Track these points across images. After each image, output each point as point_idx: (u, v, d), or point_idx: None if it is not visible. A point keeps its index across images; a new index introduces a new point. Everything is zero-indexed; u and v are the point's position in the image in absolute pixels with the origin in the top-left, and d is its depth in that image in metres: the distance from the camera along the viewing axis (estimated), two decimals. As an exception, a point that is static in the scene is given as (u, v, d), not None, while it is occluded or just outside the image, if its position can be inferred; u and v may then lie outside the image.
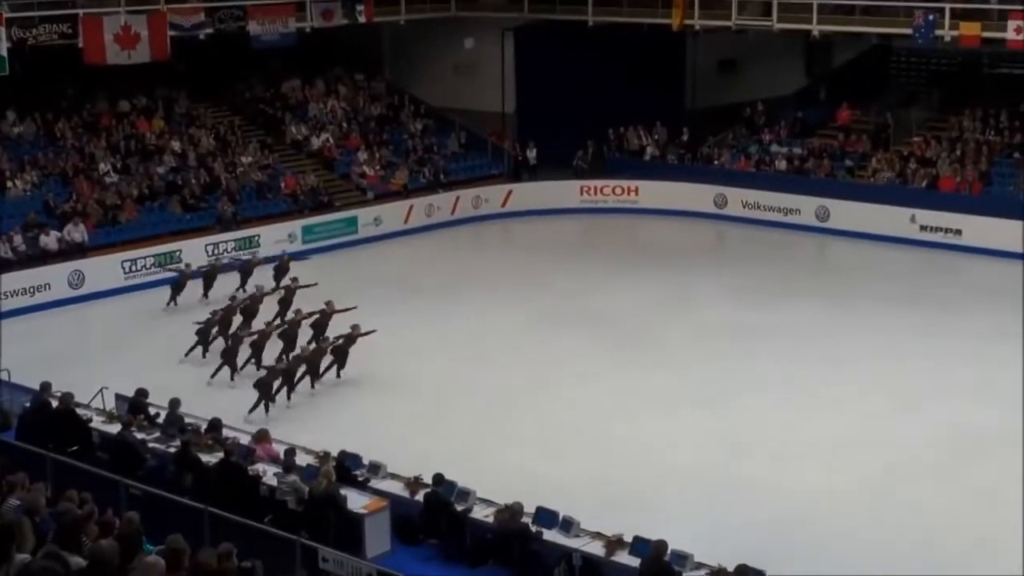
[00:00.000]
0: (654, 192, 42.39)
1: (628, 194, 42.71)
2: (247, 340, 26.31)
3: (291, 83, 44.01)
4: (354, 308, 27.14)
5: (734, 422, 23.85)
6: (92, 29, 34.71)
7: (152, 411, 21.32)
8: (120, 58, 35.43)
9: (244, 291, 30.80)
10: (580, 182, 43.17)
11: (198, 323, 27.39)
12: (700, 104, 46.94)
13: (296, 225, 37.78)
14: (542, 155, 43.49)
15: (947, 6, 36.87)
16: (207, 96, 42.15)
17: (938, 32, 37.21)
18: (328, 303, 27.44)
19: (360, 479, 18.83)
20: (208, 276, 31.82)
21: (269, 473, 18.52)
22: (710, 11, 41.08)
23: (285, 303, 28.76)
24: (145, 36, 35.56)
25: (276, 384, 24.32)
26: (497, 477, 19.80)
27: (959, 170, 38.92)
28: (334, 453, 19.24)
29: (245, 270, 32.04)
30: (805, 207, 40.05)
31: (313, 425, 23.34)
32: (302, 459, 18.86)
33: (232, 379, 25.73)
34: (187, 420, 20.80)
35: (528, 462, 21.84)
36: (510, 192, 42.63)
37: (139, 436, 19.92)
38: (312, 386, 25.25)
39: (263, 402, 23.96)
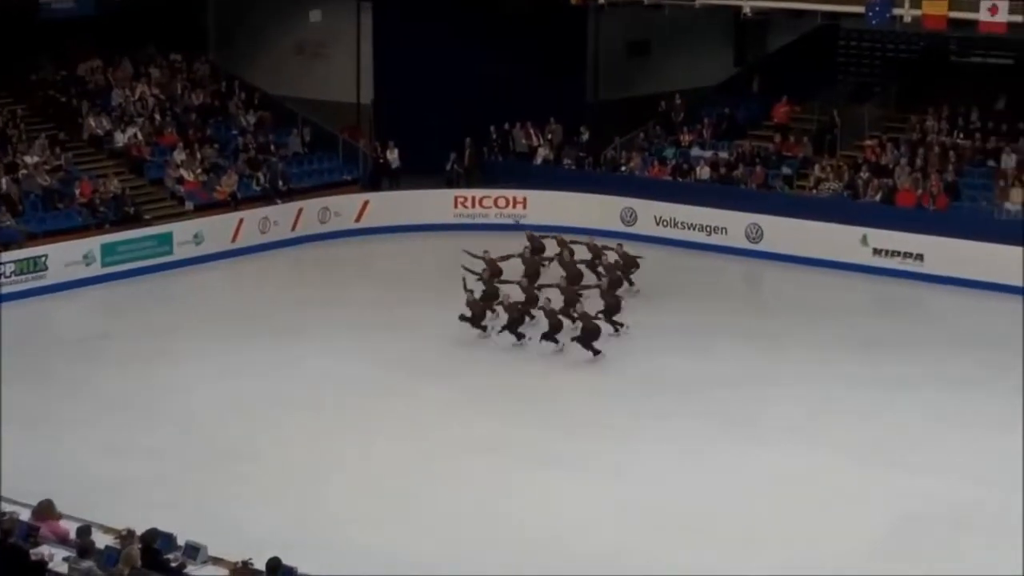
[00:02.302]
0: (546, 205, 42.63)
1: (514, 207, 42.95)
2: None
3: (90, 64, 43.62)
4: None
5: (641, 494, 24.10)
6: None
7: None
8: None
9: None
10: (454, 192, 43.36)
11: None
12: (604, 96, 47.39)
13: (94, 243, 37.42)
14: (407, 157, 43.63)
15: (907, -21, 37.75)
16: (-20, 80, 41.74)
17: (896, 11, 37.99)
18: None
19: (173, 564, 18.65)
20: None
21: (58, 558, 18.28)
22: (617, -20, 41.65)
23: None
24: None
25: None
26: (347, 560, 19.75)
27: (920, 181, 39.70)
28: (140, 531, 19.03)
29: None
30: (733, 225, 40.58)
31: (115, 499, 23.06)
32: (100, 539, 18.63)
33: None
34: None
35: (386, 542, 21.88)
36: (366, 203, 42.67)
37: None
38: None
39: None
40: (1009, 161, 39.63)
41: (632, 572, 21.21)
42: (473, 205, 43.12)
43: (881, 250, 38.52)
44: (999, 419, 27.16)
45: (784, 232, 39.78)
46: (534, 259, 35.82)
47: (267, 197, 41.52)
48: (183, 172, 41.04)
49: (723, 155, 43.22)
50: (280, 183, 41.95)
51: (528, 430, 26.98)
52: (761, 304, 38.31)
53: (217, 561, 18.95)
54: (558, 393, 29.50)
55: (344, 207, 42.36)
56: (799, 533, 22.66)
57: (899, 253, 38.33)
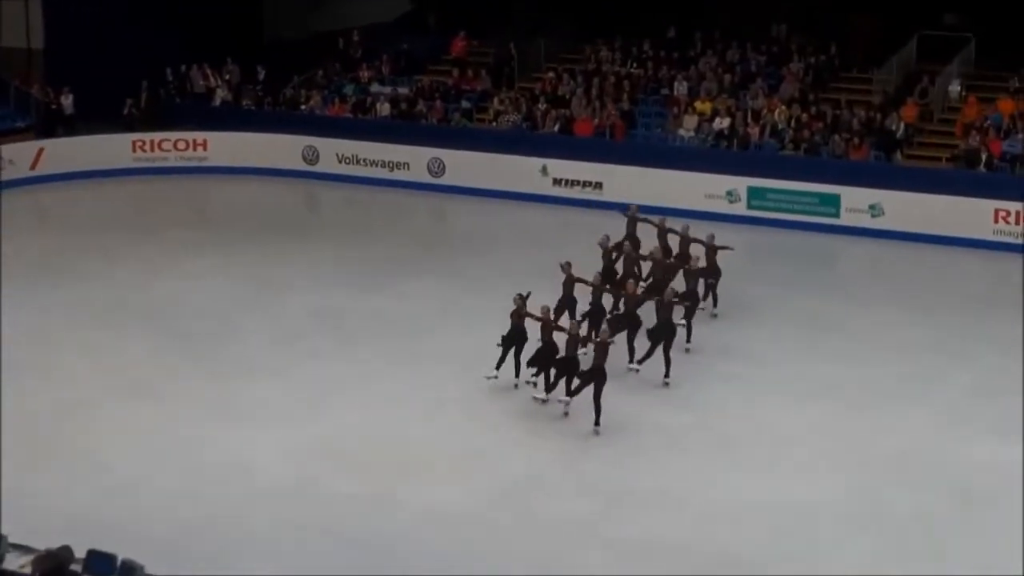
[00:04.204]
0: (227, 146, 42.21)
1: (194, 149, 42.29)
2: None
3: None
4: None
5: (332, 434, 23.98)
6: None
7: None
8: None
9: None
10: (133, 136, 42.39)
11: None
12: (282, 35, 46.88)
13: None
14: (82, 102, 42.56)
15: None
16: None
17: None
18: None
19: None
20: None
21: None
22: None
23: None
24: None
25: None
26: (39, 516, 19.29)
27: (597, 111, 40.31)
28: None
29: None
30: (415, 160, 40.69)
31: None
32: None
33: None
34: None
35: (81, 497, 21.38)
36: (41, 151, 41.41)
37: None
38: None
39: None
40: (681, 89, 40.53)
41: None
42: (152, 149, 42.25)
43: (561, 179, 39.05)
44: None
45: (466, 165, 40.02)
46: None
47: (-68, 147, 40.06)
48: None
49: (403, 91, 43.25)
50: (-55, 131, 40.53)
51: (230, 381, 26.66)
52: (448, 237, 38.32)
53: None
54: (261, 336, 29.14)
55: (18, 155, 40.94)
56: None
57: (579, 182, 38.92)
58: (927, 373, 26.68)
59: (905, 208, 35.66)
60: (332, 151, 41.57)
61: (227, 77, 44.65)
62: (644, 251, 29.76)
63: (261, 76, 44.55)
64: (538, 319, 24.80)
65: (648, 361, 25.99)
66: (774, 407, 25.04)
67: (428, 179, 40.50)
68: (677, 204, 36.95)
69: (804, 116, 38.45)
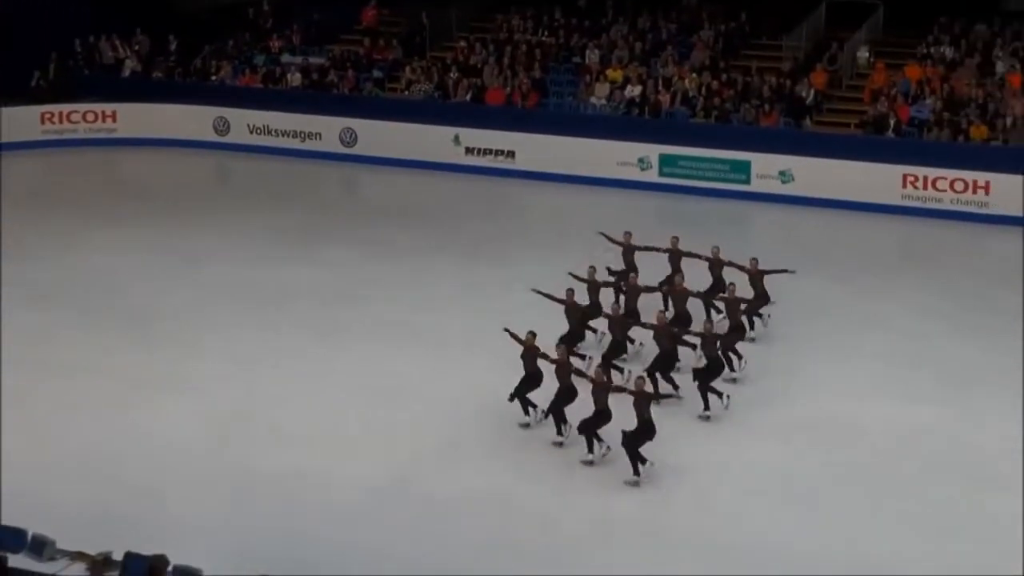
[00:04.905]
0: (136, 117, 41.90)
1: (103, 121, 41.95)
2: None
3: None
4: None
5: (254, 405, 23.85)
6: None
7: None
8: None
9: None
10: (41, 108, 41.92)
11: None
12: (191, 5, 46.46)
13: None
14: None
15: None
16: None
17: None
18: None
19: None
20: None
21: None
22: None
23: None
24: None
25: None
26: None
27: (509, 79, 40.25)
28: None
29: None
30: (327, 130, 40.53)
31: None
32: None
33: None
34: None
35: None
36: (-54, 124, 40.97)
37: None
38: None
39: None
40: (593, 57, 40.54)
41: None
42: (61, 121, 41.84)
43: (473, 148, 38.99)
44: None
45: (378, 135, 39.89)
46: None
47: None
48: None
49: (314, 61, 43.01)
50: None
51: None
52: (360, 208, 38.18)
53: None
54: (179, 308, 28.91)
55: (-80, 129, 40.56)
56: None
57: (491, 151, 38.88)
58: (840, 336, 26.86)
59: (815, 174, 35.86)
60: (243, 122, 41.37)
61: (136, 48, 44.22)
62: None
63: (173, 47, 44.14)
64: (553, 361, 22.14)
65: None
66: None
67: (340, 149, 40.36)
68: (590, 172, 37.30)
69: (715, 83, 38.54)
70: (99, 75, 43.85)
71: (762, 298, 26.35)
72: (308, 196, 37.58)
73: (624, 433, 20.97)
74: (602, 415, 21.35)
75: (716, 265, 26.81)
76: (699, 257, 26.95)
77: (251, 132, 41.35)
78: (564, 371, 22.06)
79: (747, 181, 36.59)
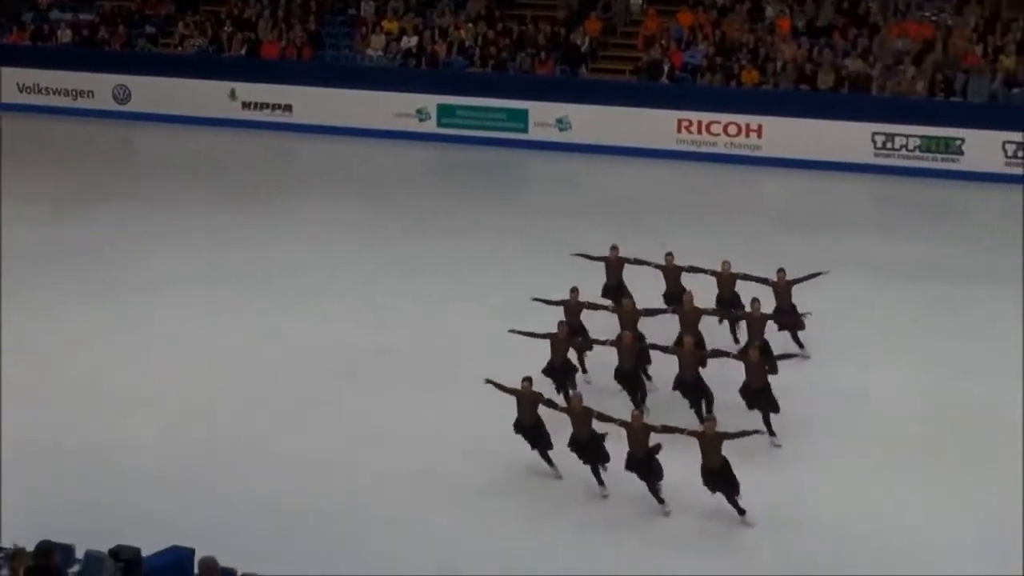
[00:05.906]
0: None
1: None
2: None
3: None
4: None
5: (24, 370, 23.22)
6: None
7: None
8: None
9: None
10: None
11: None
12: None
13: None
14: None
15: None
16: None
17: None
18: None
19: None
20: None
21: None
22: None
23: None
24: None
25: None
26: None
27: (284, 32, 39.81)
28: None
29: None
30: (100, 87, 39.91)
31: None
32: None
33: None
34: None
35: None
36: None
37: None
38: None
39: None
40: (368, 8, 40.30)
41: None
42: None
43: (250, 103, 38.68)
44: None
45: (152, 91, 39.36)
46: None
47: None
48: None
49: (84, 17, 42.16)
50: None
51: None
52: (134, 165, 37.55)
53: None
54: None
55: None
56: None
57: (268, 105, 38.57)
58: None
59: (591, 121, 36.16)
60: (12, 80, 40.61)
61: None
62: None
63: (-66, 5, 43.03)
64: (564, 411, 18.71)
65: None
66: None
67: (114, 106, 39.78)
68: (368, 124, 37.22)
69: (490, 33, 38.55)
70: None
71: (794, 317, 22.10)
72: (80, 155, 36.84)
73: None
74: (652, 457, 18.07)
75: (726, 280, 22.55)
76: (704, 272, 22.70)
77: (20, 91, 40.58)
78: (583, 420, 18.48)
79: (525, 130, 36.73)
